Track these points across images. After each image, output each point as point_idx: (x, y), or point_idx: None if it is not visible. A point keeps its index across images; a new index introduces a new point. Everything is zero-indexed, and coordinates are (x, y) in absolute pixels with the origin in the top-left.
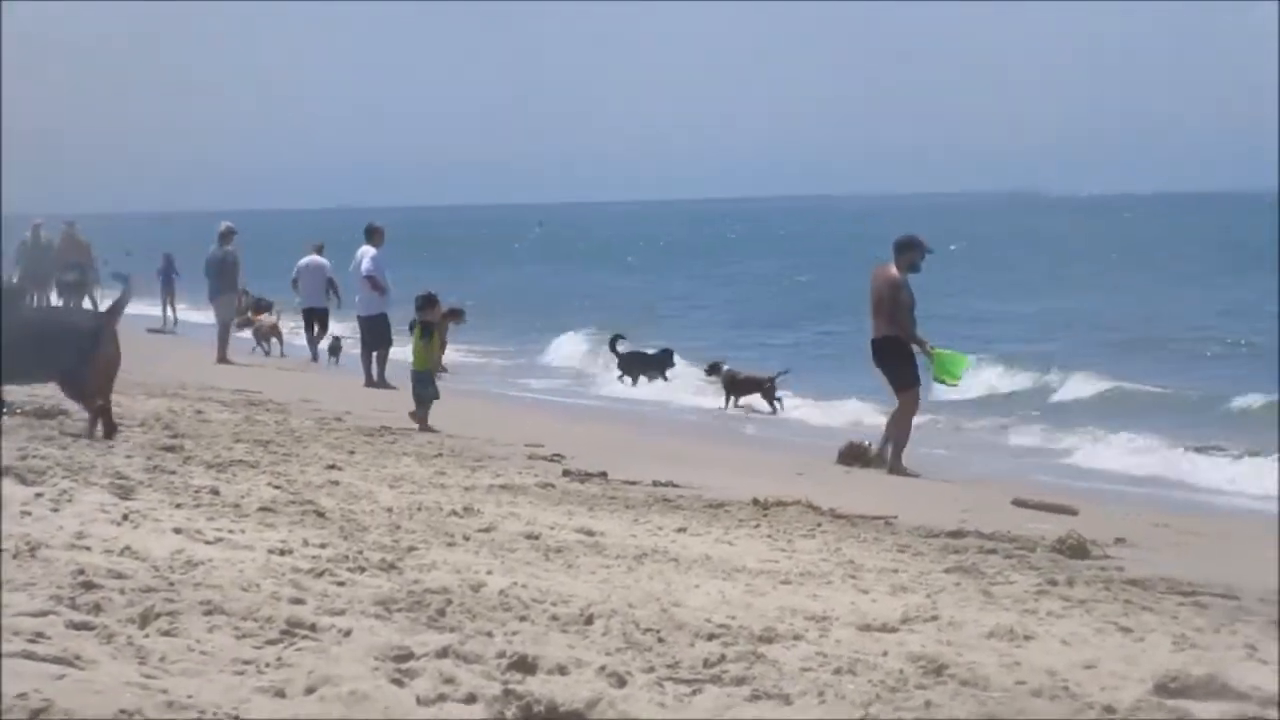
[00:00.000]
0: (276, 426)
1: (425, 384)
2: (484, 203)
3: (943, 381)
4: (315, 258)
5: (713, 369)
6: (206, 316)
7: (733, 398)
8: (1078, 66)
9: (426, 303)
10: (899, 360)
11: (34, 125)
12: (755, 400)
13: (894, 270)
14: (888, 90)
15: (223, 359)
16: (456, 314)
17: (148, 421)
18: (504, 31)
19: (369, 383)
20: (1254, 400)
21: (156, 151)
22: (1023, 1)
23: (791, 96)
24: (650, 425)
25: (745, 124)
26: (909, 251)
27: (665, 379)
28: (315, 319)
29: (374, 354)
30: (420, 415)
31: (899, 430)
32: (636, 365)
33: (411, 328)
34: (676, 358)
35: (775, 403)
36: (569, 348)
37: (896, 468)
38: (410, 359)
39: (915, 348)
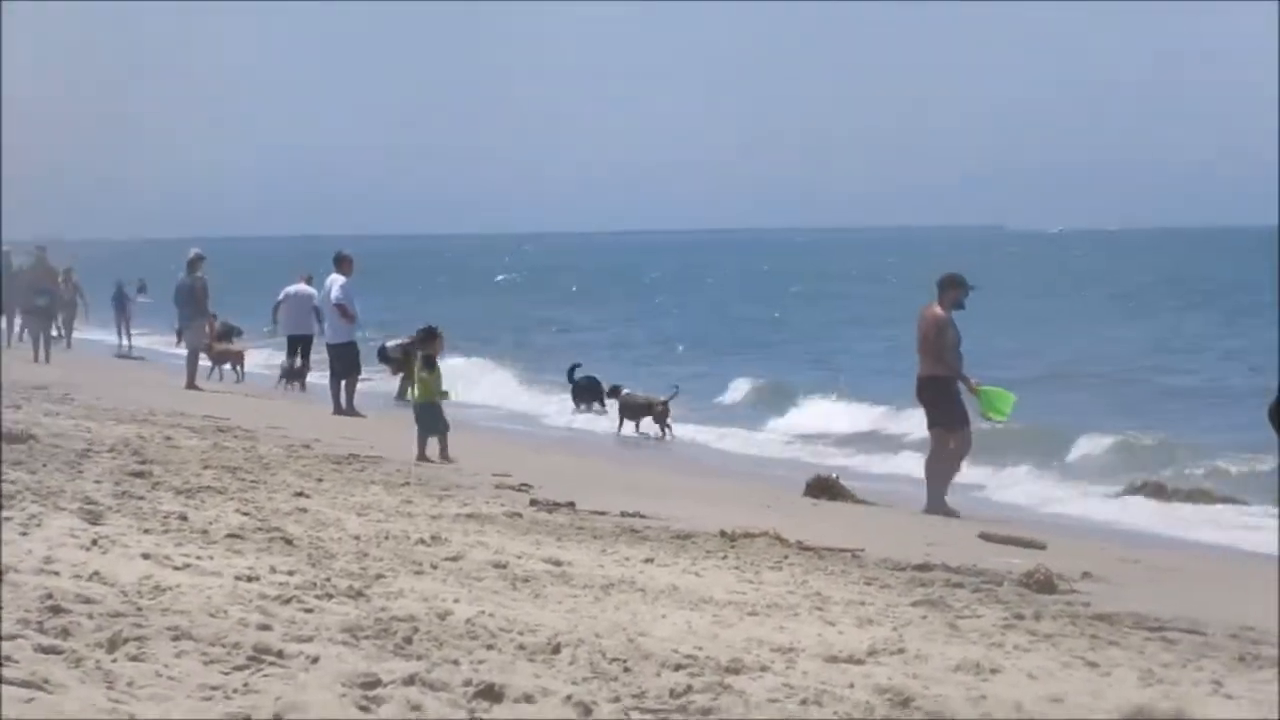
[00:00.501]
0: (245, 453)
1: (434, 416)
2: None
3: (990, 418)
4: (303, 286)
5: (612, 392)
6: (168, 342)
7: (626, 421)
8: (1047, 101)
9: (428, 336)
10: (944, 399)
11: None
12: (648, 423)
13: (938, 308)
14: (859, 125)
15: (191, 385)
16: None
17: (117, 447)
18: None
19: (337, 410)
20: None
21: (119, 179)
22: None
23: (745, 127)
24: (616, 455)
25: (694, 155)
26: (952, 289)
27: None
28: (300, 345)
29: (342, 382)
30: (440, 447)
31: (946, 468)
32: (588, 394)
33: (381, 356)
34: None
35: (666, 428)
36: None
37: (937, 507)
38: (407, 390)
39: (961, 385)
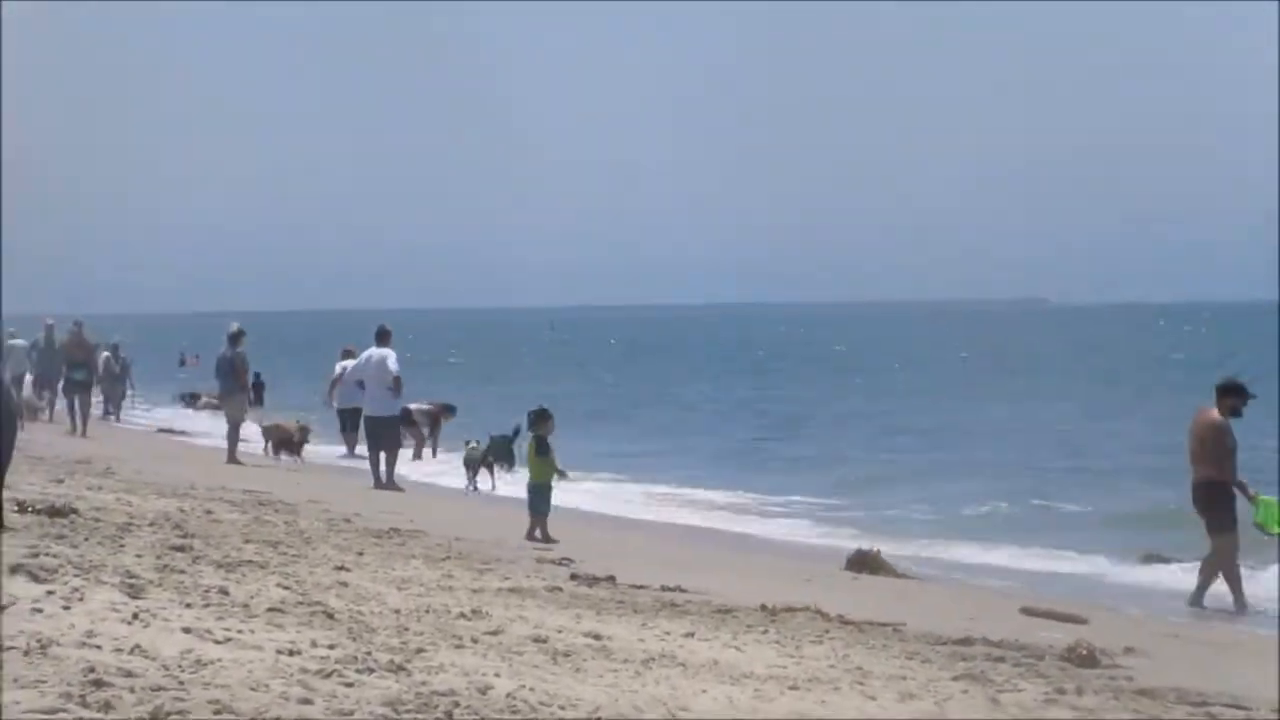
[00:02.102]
0: (286, 527)
1: (544, 497)
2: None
3: (1263, 529)
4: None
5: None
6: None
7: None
8: (1089, 173)
9: (540, 417)
10: (1221, 505)
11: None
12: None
13: (1216, 414)
14: (904, 194)
15: (232, 459)
16: (448, 410)
17: (158, 521)
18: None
19: (378, 485)
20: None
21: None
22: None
23: (768, 203)
24: (657, 530)
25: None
26: (1231, 396)
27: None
28: (353, 420)
29: (383, 454)
30: (541, 528)
31: (1223, 572)
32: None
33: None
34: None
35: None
36: None
37: (1240, 606)
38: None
39: (1238, 492)
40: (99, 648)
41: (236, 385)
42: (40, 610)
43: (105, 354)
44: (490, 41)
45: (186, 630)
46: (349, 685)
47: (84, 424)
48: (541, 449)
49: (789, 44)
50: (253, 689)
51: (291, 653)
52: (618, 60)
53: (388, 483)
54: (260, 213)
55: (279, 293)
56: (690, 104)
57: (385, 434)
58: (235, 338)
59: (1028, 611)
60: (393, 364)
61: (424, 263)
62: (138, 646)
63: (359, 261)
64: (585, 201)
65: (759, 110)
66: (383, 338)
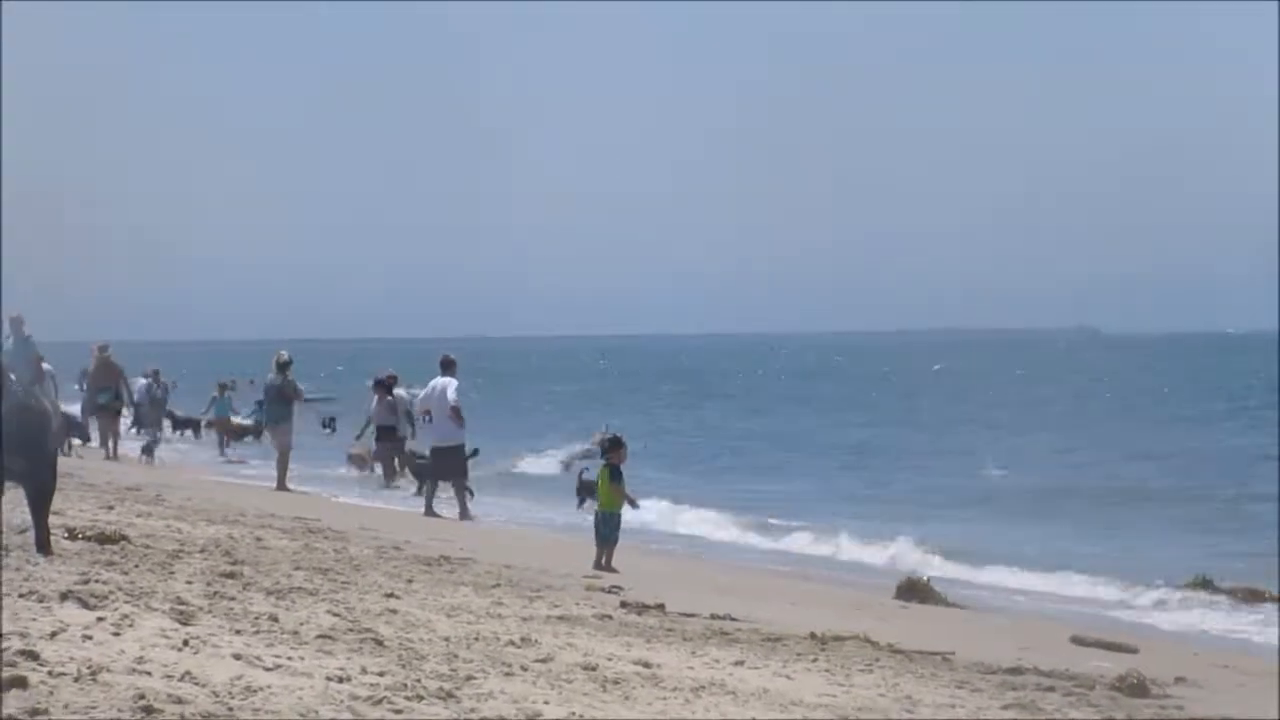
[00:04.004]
0: (335, 554)
1: (614, 525)
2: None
3: None
4: (398, 391)
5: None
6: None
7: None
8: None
9: (613, 445)
10: None
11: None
12: None
13: None
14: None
15: (282, 486)
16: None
17: (207, 548)
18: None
19: (429, 512)
20: None
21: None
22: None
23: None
24: (707, 557)
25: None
26: None
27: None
28: (388, 439)
29: (439, 482)
30: (607, 555)
31: None
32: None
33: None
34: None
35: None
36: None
37: None
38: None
39: None
40: (149, 674)
41: (285, 413)
42: (90, 637)
43: (146, 380)
44: (522, 78)
45: (236, 657)
46: (398, 712)
47: (114, 447)
48: (614, 477)
49: (833, 72)
50: (302, 716)
51: (341, 680)
52: (649, 90)
53: (463, 512)
54: (312, 246)
55: (323, 323)
56: (724, 135)
57: (450, 463)
58: (284, 366)
59: (1078, 641)
60: (452, 394)
61: (443, 292)
62: (188, 673)
63: (358, 292)
64: (619, 232)
65: (799, 140)
66: (447, 367)
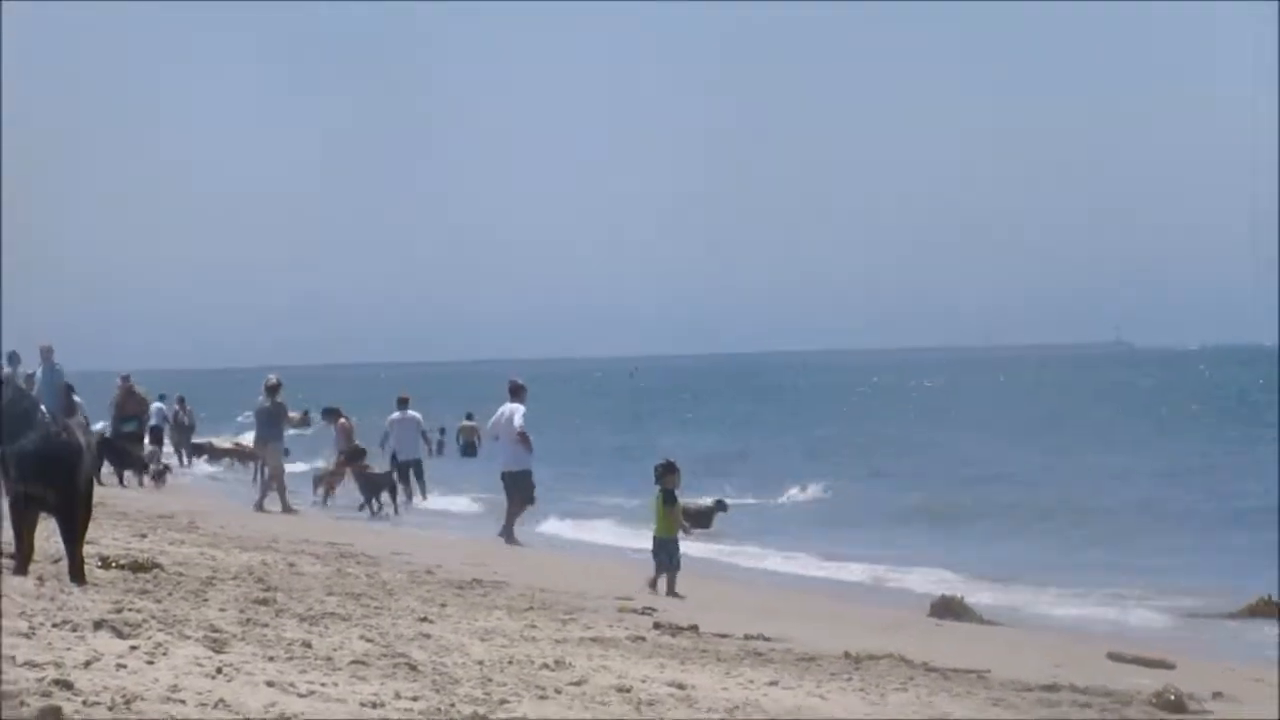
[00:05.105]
0: (368, 579)
1: (671, 551)
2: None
3: None
4: (410, 412)
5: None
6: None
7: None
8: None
9: (667, 470)
10: None
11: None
12: None
13: None
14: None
15: (287, 508)
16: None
17: (240, 574)
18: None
19: (509, 539)
20: None
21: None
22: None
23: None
24: (740, 578)
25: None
26: None
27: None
28: (410, 469)
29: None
30: (668, 584)
31: None
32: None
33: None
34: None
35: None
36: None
37: None
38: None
39: None
40: (183, 702)
41: (276, 433)
42: (124, 665)
43: (174, 407)
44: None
45: (270, 684)
46: None
47: (139, 475)
48: (669, 501)
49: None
50: None
51: (375, 705)
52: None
53: (505, 534)
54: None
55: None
56: (745, 161)
57: (517, 487)
58: (273, 389)
59: (1115, 657)
60: (518, 419)
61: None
62: (222, 701)
63: (355, 320)
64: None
65: (830, 156)
66: (516, 392)
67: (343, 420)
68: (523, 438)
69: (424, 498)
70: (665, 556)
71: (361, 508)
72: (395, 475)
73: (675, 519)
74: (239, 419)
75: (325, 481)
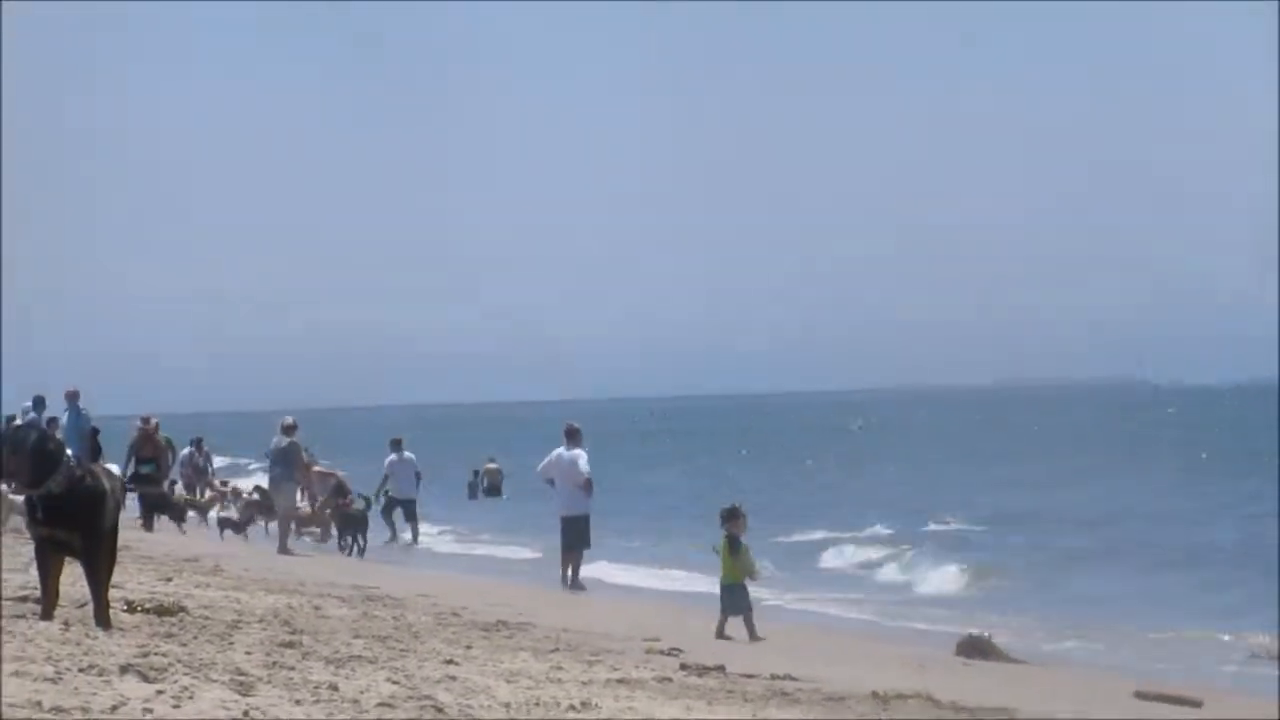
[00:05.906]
0: (394, 621)
1: (740, 596)
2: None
3: None
4: (407, 454)
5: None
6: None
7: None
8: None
9: (731, 515)
10: None
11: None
12: None
13: None
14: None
15: (284, 550)
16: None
17: (266, 617)
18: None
19: (567, 584)
20: None
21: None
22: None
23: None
24: (767, 617)
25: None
26: None
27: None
28: (403, 508)
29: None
30: (747, 628)
31: None
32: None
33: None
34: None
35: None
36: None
37: None
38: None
39: None
40: None
41: (286, 474)
42: (151, 710)
43: (189, 449)
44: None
45: None
46: None
47: (180, 523)
48: (734, 547)
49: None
50: None
51: None
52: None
53: (572, 582)
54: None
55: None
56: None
57: (577, 532)
58: (289, 429)
59: (1141, 695)
60: (584, 465)
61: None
62: None
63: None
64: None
65: (850, 199)
66: (573, 437)
67: (317, 468)
68: (587, 484)
69: (414, 540)
70: (730, 602)
71: (342, 547)
72: (384, 513)
73: (742, 565)
74: (250, 466)
75: (303, 522)
